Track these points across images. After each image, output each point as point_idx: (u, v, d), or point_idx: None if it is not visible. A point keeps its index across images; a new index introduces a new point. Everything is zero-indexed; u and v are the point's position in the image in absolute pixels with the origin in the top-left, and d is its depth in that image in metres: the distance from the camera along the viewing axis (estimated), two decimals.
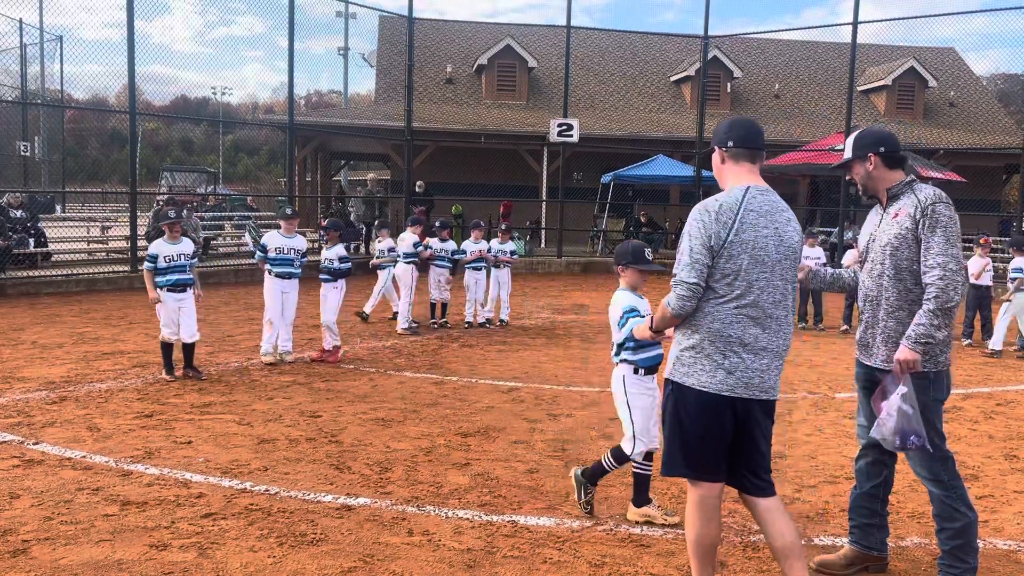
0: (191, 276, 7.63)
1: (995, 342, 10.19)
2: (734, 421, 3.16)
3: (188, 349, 7.61)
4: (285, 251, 8.35)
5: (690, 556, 3.31)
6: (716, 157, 3.34)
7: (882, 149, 3.64)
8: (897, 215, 3.57)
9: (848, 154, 3.76)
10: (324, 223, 9.18)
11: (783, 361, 3.23)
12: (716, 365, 3.12)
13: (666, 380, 3.29)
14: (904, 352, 3.42)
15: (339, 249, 8.75)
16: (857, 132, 3.82)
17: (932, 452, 3.51)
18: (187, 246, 7.69)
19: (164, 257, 7.45)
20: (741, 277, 3.10)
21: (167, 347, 7.54)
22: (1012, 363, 9.72)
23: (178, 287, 7.49)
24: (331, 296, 8.53)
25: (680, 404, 3.20)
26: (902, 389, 3.42)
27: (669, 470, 3.30)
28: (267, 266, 8.30)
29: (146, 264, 7.51)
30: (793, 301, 3.26)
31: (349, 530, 4.19)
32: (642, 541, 4.16)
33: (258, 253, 8.50)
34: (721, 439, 3.18)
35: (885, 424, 3.46)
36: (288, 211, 8.92)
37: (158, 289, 7.44)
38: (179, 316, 7.49)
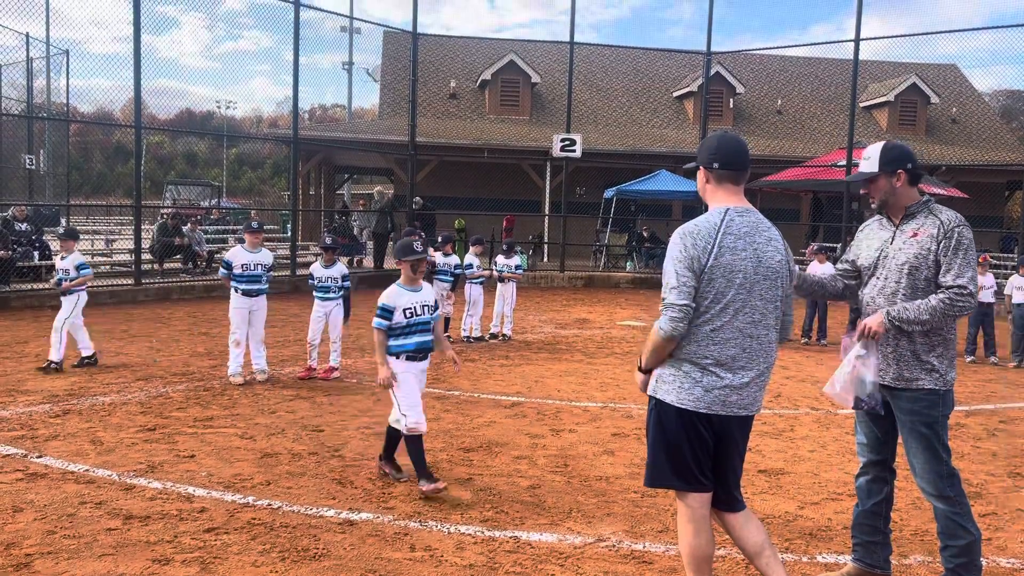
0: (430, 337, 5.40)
1: None
2: (713, 435, 3.22)
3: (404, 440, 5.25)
4: (252, 267, 8.03)
5: (686, 570, 3.32)
6: (700, 176, 3.35)
7: (910, 166, 3.62)
8: (916, 235, 3.57)
9: (874, 168, 3.66)
10: (327, 240, 8.93)
11: (767, 377, 3.26)
12: (694, 383, 3.17)
13: (649, 396, 3.34)
14: (876, 321, 3.54)
15: (341, 267, 8.64)
16: (883, 146, 3.70)
17: (939, 468, 3.53)
18: (428, 293, 5.41)
19: (404, 311, 5.17)
20: (717, 299, 3.13)
21: (417, 441, 5.13)
22: (1015, 380, 9.71)
23: (420, 354, 5.33)
24: (336, 312, 8.50)
25: (662, 419, 3.26)
26: (859, 351, 3.57)
27: (654, 481, 3.32)
28: (232, 283, 8.01)
29: (377, 322, 5.13)
30: (777, 319, 3.26)
31: (351, 545, 4.19)
32: (644, 558, 4.15)
33: (222, 270, 8.16)
34: (704, 450, 3.22)
35: (836, 382, 3.62)
36: (255, 224, 8.52)
37: (393, 357, 5.18)
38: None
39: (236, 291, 8.01)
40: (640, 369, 3.37)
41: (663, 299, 3.20)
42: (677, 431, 3.20)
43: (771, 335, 3.24)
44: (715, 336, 3.14)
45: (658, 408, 3.28)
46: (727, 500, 3.33)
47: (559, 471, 5.54)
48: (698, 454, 3.21)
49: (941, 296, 3.45)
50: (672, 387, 3.21)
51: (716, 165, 3.26)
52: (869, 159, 3.70)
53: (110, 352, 9.40)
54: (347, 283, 8.56)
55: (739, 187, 3.30)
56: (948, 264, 3.47)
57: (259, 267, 8.10)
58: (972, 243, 3.51)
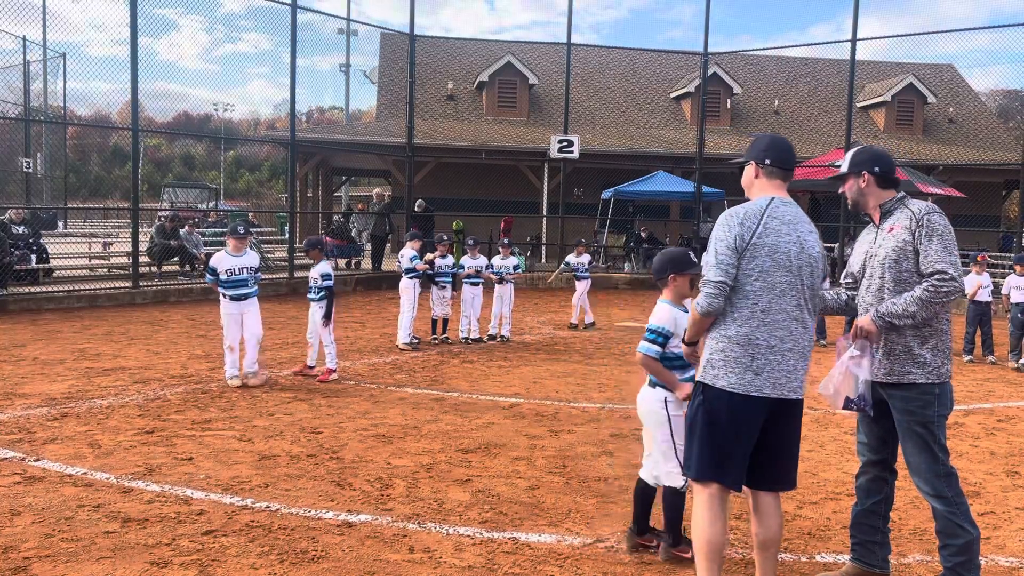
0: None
1: None
2: (763, 422, 3.26)
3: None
4: (237, 271, 7.93)
5: (699, 560, 3.31)
6: (750, 171, 3.48)
7: (876, 169, 3.74)
8: (893, 229, 3.64)
9: (844, 168, 3.84)
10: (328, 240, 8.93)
11: (808, 362, 3.35)
12: (745, 367, 3.23)
13: (696, 382, 3.37)
14: (866, 321, 3.58)
15: (322, 266, 8.57)
16: (856, 148, 3.89)
17: (935, 467, 3.53)
18: None
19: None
20: (764, 279, 3.23)
21: (683, 497, 4.07)
22: (1013, 379, 9.72)
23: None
24: (316, 312, 8.47)
25: (712, 406, 3.28)
26: (853, 352, 3.58)
27: (701, 474, 3.33)
28: (220, 289, 7.94)
29: (649, 348, 3.99)
30: (815, 306, 3.37)
31: (350, 547, 4.19)
32: (643, 559, 4.15)
33: (208, 276, 8.08)
34: (750, 443, 3.27)
35: (829, 382, 3.62)
36: (240, 229, 8.30)
37: (668, 392, 4.02)
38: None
39: (225, 297, 7.95)
40: (684, 342, 3.54)
41: (702, 276, 3.34)
42: (728, 418, 3.24)
43: (810, 320, 3.34)
44: (766, 317, 3.22)
45: (706, 394, 3.30)
46: (780, 480, 3.38)
47: (558, 472, 5.53)
48: (746, 445, 3.25)
49: (924, 285, 3.47)
50: (723, 372, 3.26)
51: (768, 161, 3.42)
52: (844, 160, 3.88)
53: (108, 355, 9.39)
54: (327, 283, 8.44)
55: (785, 184, 3.44)
56: (925, 252, 3.50)
57: (244, 271, 7.98)
58: (948, 229, 3.54)
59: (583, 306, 12.97)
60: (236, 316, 7.95)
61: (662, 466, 4.08)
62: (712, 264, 3.28)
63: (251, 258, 8.17)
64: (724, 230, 3.28)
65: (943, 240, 3.50)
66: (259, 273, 8.28)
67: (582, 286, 12.85)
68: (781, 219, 3.28)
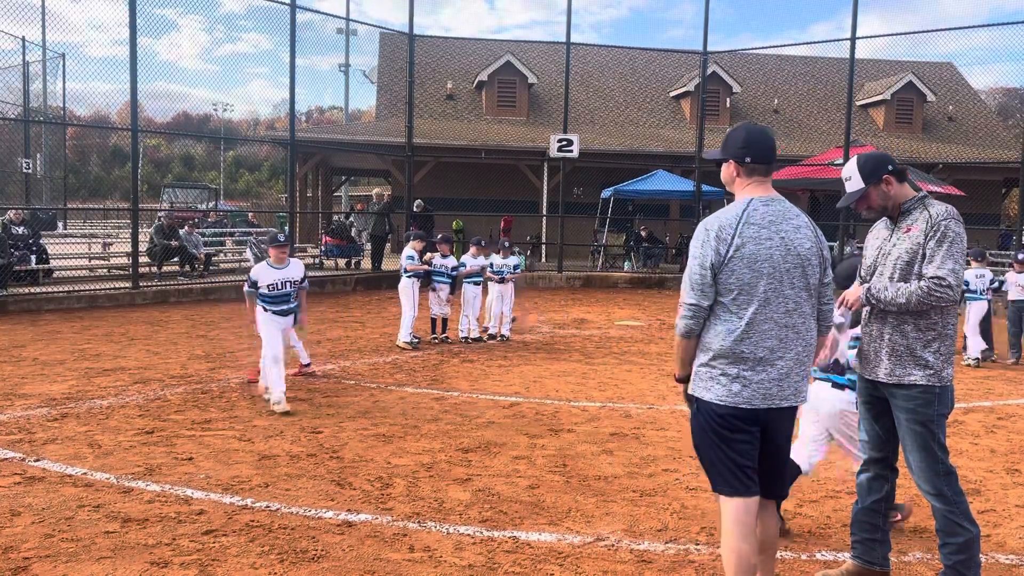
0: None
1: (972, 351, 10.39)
2: (758, 431, 3.20)
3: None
4: (280, 285, 7.40)
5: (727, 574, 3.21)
6: (730, 169, 3.29)
7: (890, 167, 3.68)
8: (910, 230, 3.61)
9: (860, 184, 3.69)
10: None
11: (806, 366, 3.26)
12: (730, 379, 3.15)
13: (689, 396, 3.31)
14: (855, 295, 3.70)
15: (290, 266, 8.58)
16: (856, 163, 3.73)
17: (935, 466, 3.53)
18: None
19: None
20: (746, 291, 3.13)
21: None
22: (1013, 376, 9.72)
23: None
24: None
25: (704, 419, 3.23)
26: (838, 319, 3.67)
27: (718, 487, 3.26)
28: (260, 303, 7.38)
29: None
30: (813, 307, 3.25)
31: (350, 546, 4.19)
32: (644, 557, 4.15)
33: (247, 287, 7.50)
34: (748, 451, 3.19)
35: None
36: (281, 238, 7.72)
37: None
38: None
39: (265, 310, 7.44)
40: (677, 379, 3.37)
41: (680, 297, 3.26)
42: (719, 430, 3.17)
43: (808, 323, 3.23)
44: (750, 329, 3.12)
45: (698, 407, 3.25)
46: (774, 490, 3.35)
47: (558, 471, 5.53)
48: (744, 455, 3.16)
49: (920, 283, 3.48)
50: (710, 384, 3.18)
51: (748, 159, 3.24)
52: (851, 179, 3.73)
53: (108, 356, 9.39)
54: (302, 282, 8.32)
55: (767, 178, 3.28)
56: (931, 255, 3.50)
57: (287, 284, 7.47)
58: (960, 237, 3.52)
59: (492, 311, 11.36)
60: (276, 327, 7.36)
61: (810, 447, 4.56)
62: (686, 286, 3.19)
63: (295, 269, 7.62)
64: (698, 247, 3.18)
65: (952, 248, 3.48)
66: (304, 281, 7.80)
67: (496, 290, 11.29)
68: (759, 223, 3.14)
